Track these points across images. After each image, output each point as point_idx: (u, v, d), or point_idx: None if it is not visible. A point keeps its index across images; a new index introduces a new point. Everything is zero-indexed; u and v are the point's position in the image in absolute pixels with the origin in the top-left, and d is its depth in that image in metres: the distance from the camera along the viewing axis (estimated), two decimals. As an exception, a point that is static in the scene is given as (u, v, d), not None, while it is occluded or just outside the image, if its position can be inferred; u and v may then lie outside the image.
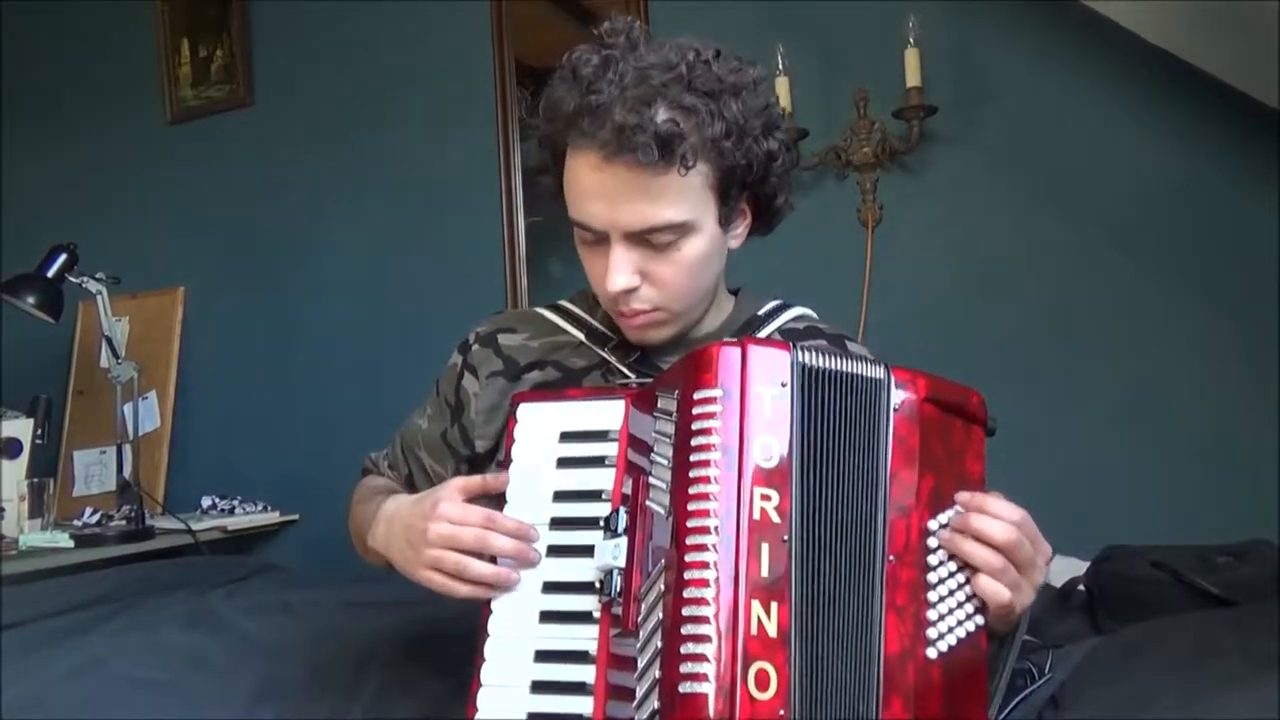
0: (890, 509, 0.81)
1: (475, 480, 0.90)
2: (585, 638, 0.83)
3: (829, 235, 2.08)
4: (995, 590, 0.80)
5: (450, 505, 0.87)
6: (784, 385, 0.80)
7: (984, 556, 0.80)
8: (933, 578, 0.81)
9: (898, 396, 0.83)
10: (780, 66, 1.99)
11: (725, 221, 0.99)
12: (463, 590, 0.85)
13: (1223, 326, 1.80)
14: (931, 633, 0.80)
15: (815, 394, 0.81)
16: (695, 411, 0.79)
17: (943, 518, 0.82)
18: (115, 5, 2.91)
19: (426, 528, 0.86)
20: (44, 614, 1.60)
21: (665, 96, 0.90)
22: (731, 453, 0.77)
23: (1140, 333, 1.85)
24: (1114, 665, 1.16)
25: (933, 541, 0.82)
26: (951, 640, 0.80)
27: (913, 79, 1.89)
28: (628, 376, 1.03)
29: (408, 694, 1.24)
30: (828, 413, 0.81)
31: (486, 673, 0.85)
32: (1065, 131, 1.91)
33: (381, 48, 2.57)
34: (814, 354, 0.82)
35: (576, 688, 0.82)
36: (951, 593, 0.81)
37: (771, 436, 0.78)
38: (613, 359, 1.06)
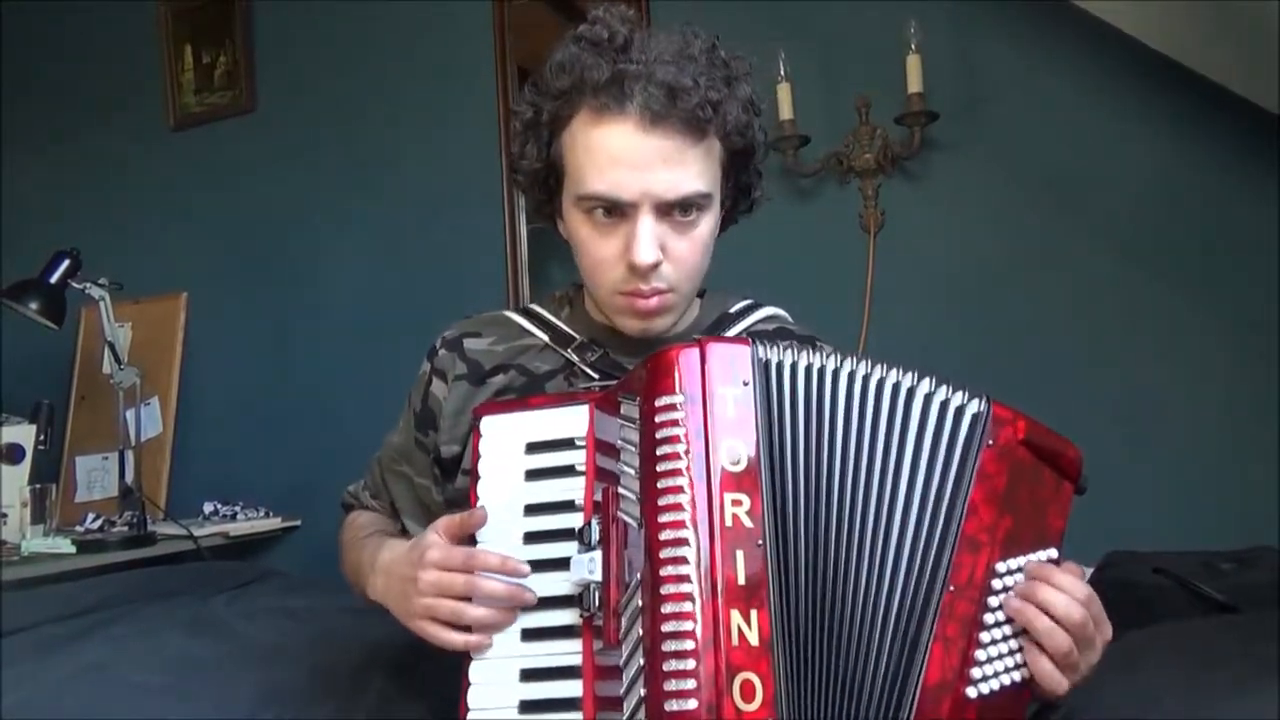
0: (960, 541, 0.79)
1: (455, 520, 0.86)
2: (569, 652, 0.82)
3: (831, 241, 2.09)
4: (1051, 674, 0.77)
5: (436, 550, 0.84)
6: (746, 384, 0.78)
7: (1053, 638, 0.76)
8: (989, 619, 0.79)
9: (994, 433, 0.81)
10: (782, 72, 1.99)
11: (722, 205, 1.00)
12: (458, 640, 0.83)
13: (1224, 330, 1.80)
14: (976, 672, 0.77)
15: (780, 390, 0.79)
16: (658, 420, 0.78)
17: (1013, 563, 0.80)
18: (118, 11, 2.92)
19: (418, 576, 0.84)
20: (45, 619, 1.59)
21: (699, 69, 0.92)
22: (698, 460, 0.76)
23: (1142, 336, 1.85)
24: (1117, 670, 1.15)
25: (997, 584, 0.79)
26: (995, 685, 0.78)
27: (914, 84, 1.90)
28: (592, 378, 1.01)
29: (409, 698, 1.24)
30: (798, 408, 0.79)
31: (473, 696, 0.82)
32: (1067, 137, 1.91)
33: (383, 52, 2.57)
34: (776, 348, 0.80)
35: (566, 704, 0.80)
36: (1006, 638, 0.79)
37: (736, 439, 0.77)
38: (576, 359, 1.04)
